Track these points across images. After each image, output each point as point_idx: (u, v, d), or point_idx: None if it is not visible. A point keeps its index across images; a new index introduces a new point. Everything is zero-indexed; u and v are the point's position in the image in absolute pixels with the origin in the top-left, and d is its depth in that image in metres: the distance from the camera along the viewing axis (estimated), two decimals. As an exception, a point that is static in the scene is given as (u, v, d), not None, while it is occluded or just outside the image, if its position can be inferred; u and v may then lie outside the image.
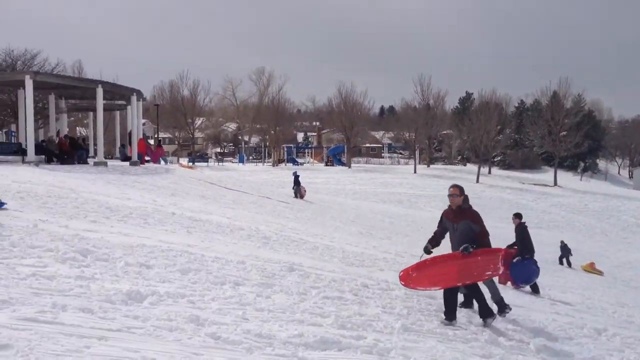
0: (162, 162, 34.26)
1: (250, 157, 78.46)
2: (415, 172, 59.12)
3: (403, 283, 7.95)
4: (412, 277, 7.84)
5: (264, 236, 12.95)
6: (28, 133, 23.91)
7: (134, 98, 29.02)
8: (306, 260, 10.54)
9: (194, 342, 4.87)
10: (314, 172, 53.96)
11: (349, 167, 63.53)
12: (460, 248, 7.48)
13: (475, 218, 7.64)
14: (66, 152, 25.03)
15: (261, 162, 72.10)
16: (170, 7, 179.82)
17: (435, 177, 55.13)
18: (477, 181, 54.30)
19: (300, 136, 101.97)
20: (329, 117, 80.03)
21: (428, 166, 69.52)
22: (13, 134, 33.30)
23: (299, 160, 71.35)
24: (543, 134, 64.89)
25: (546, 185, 56.55)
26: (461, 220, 7.63)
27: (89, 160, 26.33)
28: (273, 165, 64.22)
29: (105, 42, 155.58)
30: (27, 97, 23.45)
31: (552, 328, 8.45)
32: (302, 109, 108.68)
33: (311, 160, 76.58)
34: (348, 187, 46.52)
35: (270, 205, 22.29)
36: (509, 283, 13.28)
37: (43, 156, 24.24)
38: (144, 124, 46.17)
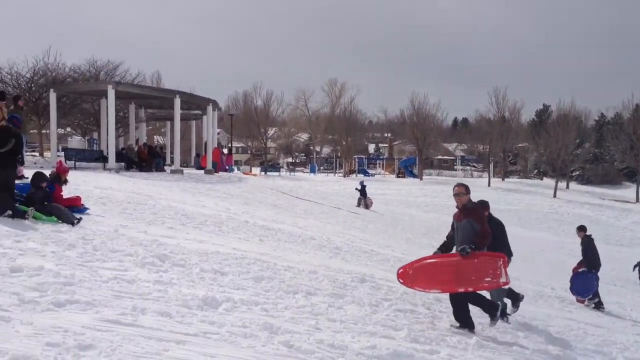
0: (229, 170, 34.89)
1: (322, 168, 78.84)
2: (489, 185, 57.89)
3: (401, 281, 7.59)
4: (410, 275, 7.50)
5: (335, 246, 12.98)
6: (109, 141, 24.87)
7: (209, 108, 29.74)
8: (378, 272, 10.50)
9: (268, 349, 4.92)
10: (385, 184, 53.72)
11: (421, 179, 62.89)
12: (459, 248, 7.14)
13: (477, 217, 7.29)
14: (145, 160, 25.86)
15: (332, 172, 72.34)
16: (246, 18, 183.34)
17: (510, 191, 53.87)
18: (555, 196, 52.69)
19: (371, 147, 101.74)
20: (401, 129, 79.54)
21: (503, 179, 67.95)
22: (95, 141, 34.68)
23: (370, 172, 71.20)
24: (624, 148, 62.39)
25: (627, 202, 54.28)
26: (464, 219, 7.33)
27: (165, 168, 27.12)
28: (344, 176, 64.30)
29: (183, 53, 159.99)
30: (109, 106, 24.40)
31: (634, 349, 8.11)
32: (373, 120, 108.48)
33: (382, 171, 76.27)
34: (420, 199, 46.07)
35: (341, 215, 22.33)
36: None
37: (123, 163, 25.12)
38: (218, 134, 47.13)
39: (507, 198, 48.32)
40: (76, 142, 35.64)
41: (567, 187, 63.53)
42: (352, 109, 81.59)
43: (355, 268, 10.43)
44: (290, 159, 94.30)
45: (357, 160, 74.16)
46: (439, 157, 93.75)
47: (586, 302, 12.71)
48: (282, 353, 4.90)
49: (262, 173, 53.82)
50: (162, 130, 52.52)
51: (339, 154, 76.02)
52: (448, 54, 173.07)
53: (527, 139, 79.30)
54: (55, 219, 9.42)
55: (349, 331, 5.97)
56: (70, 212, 9.91)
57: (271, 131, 79.16)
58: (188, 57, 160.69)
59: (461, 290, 7.10)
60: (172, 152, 31.50)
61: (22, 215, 9.06)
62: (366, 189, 31.32)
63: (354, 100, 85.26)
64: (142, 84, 39.06)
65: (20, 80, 32.03)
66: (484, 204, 9.04)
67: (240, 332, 5.23)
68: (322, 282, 8.42)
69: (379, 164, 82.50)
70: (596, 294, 12.67)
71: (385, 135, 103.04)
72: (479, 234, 7.11)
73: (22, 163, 9.72)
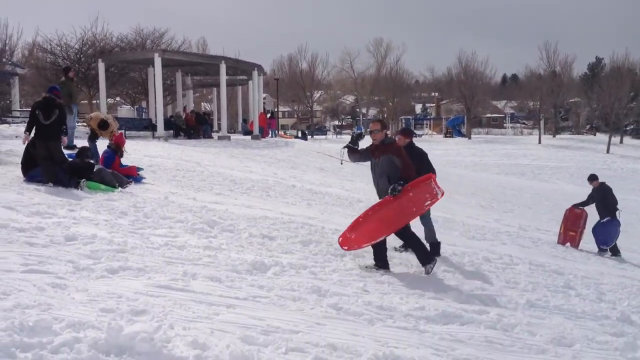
0: (271, 134, 35.03)
1: (368, 130, 78.35)
2: (539, 142, 56.69)
3: (346, 248, 7.35)
4: (351, 239, 7.34)
5: (383, 208, 12.92)
6: (157, 109, 25.21)
7: (255, 73, 29.76)
8: (426, 233, 10.43)
9: (316, 312, 4.97)
10: (432, 144, 53.09)
11: (469, 138, 61.98)
12: (389, 190, 6.96)
13: (396, 151, 7.10)
14: (192, 127, 26.16)
15: (379, 134, 71.77)
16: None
17: (561, 147, 52.64)
18: (608, 151, 51.23)
19: (418, 107, 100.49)
20: (448, 87, 78.06)
21: (554, 136, 66.38)
22: (144, 110, 35.18)
23: (418, 132, 70.47)
24: (681, 99, 60.17)
25: (685, 155, 52.46)
26: (382, 155, 7.13)
27: (213, 134, 27.37)
28: (391, 137, 63.83)
29: (227, 18, 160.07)
30: (157, 74, 24.66)
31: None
32: (420, 79, 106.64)
33: (430, 131, 75.43)
34: (468, 158, 45.42)
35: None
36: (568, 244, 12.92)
37: (171, 131, 25.49)
38: (264, 98, 47.23)
39: (559, 155, 47.27)
40: (125, 111, 36.14)
41: (621, 142, 61.68)
42: (398, 69, 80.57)
43: (403, 230, 10.37)
44: (336, 122, 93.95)
45: (404, 121, 73.42)
46: (488, 115, 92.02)
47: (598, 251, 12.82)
48: (331, 315, 4.94)
49: (285, 133, 53.72)
50: (209, 97, 52.87)
51: (385, 115, 75.38)
52: (497, 8, 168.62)
53: (579, 94, 76.99)
54: (105, 186, 9.68)
55: (397, 293, 5.98)
56: (120, 175, 10.26)
57: (317, 94, 78.84)
58: (232, 22, 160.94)
59: (408, 220, 7.07)
60: (219, 119, 31.77)
61: (75, 185, 9.35)
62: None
63: (400, 60, 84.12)
64: (188, 51, 39.26)
65: (69, 51, 32.60)
66: (406, 132, 9.03)
67: (289, 295, 5.29)
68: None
69: (426, 124, 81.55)
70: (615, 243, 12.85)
71: (432, 94, 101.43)
72: (403, 168, 7.01)
73: (65, 133, 9.93)
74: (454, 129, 67.59)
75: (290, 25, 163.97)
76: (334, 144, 45.11)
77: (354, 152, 7.64)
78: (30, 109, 10.82)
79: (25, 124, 10.27)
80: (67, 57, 32.23)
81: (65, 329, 3.70)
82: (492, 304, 6.17)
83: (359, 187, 16.45)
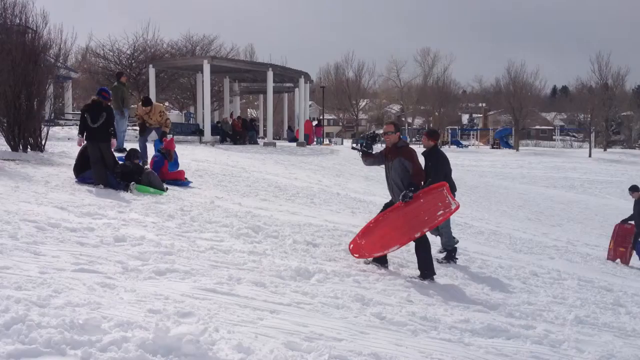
0: (317, 141, 35.12)
1: (414, 139, 77.96)
2: (590, 155, 55.48)
3: (357, 255, 7.25)
4: (362, 245, 7.22)
5: (428, 219, 12.81)
6: (205, 114, 25.53)
7: (301, 80, 29.90)
8: (471, 245, 10.32)
9: (360, 320, 4.95)
10: (478, 155, 52.52)
11: (517, 149, 61.06)
12: (400, 197, 6.84)
13: (408, 155, 6.98)
14: (239, 132, 26.41)
15: (424, 144, 71.30)
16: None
17: (612, 161, 51.35)
18: (661, 166, 49.85)
19: (465, 118, 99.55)
20: (496, 98, 77.17)
21: (605, 150, 64.92)
22: (192, 115, 35.72)
23: (464, 143, 69.75)
24: None
25: None
26: (394, 158, 7.05)
27: (259, 140, 27.60)
28: (436, 148, 63.30)
29: (275, 26, 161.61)
30: (205, 80, 24.99)
31: None
32: (467, 89, 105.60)
33: (476, 142, 74.55)
34: (515, 170, 44.67)
35: (434, 187, 22.01)
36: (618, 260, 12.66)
37: (218, 136, 25.77)
38: (310, 106, 47.42)
39: (610, 169, 46.12)
40: (173, 116, 36.74)
41: (676, 157, 59.85)
42: (445, 79, 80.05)
43: (448, 241, 10.27)
44: (381, 131, 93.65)
45: (450, 131, 72.78)
46: (537, 127, 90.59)
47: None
48: (374, 324, 4.92)
49: (354, 145, 53.56)
50: (255, 103, 53.39)
51: (431, 124, 74.87)
52: (549, 19, 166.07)
53: (632, 107, 75.21)
54: (154, 189, 9.87)
55: (442, 304, 5.92)
56: (160, 181, 10.46)
57: (362, 103, 78.88)
58: (280, 29, 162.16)
59: (419, 234, 6.86)
60: (265, 125, 32.00)
61: (124, 187, 9.55)
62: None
63: (447, 70, 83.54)
64: (236, 58, 39.73)
65: (121, 56, 33.34)
66: (431, 134, 8.69)
67: (333, 302, 5.28)
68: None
69: (473, 134, 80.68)
70: None
71: (480, 105, 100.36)
72: (413, 174, 6.92)
73: (114, 136, 10.13)
74: (501, 141, 66.72)
75: (337, 34, 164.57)
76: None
77: (367, 155, 7.49)
78: (80, 112, 11.13)
79: (77, 127, 10.56)
80: (119, 62, 32.96)
81: (114, 328, 3.76)
82: (539, 318, 6.06)
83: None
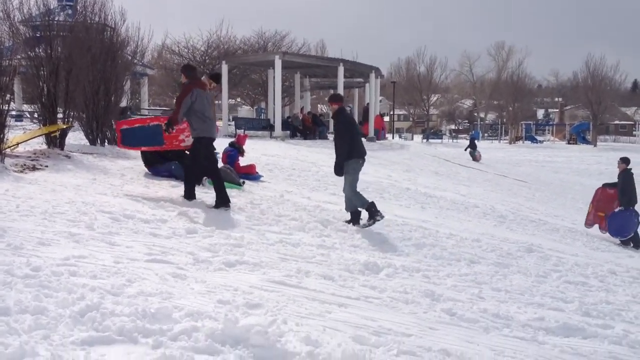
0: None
1: (486, 135, 76.42)
2: (673, 151, 53.05)
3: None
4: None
5: (500, 215, 12.54)
6: (276, 110, 25.80)
7: (372, 75, 29.76)
8: (546, 242, 10.02)
9: (429, 316, 4.87)
10: (554, 151, 50.95)
11: (594, 145, 58.94)
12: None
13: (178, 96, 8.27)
14: (308, 128, 26.53)
15: (497, 139, 69.89)
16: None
17: (697, 157, 48.92)
18: None
19: (540, 113, 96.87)
20: (574, 93, 74.63)
21: (689, 145, 61.95)
22: (263, 111, 36.15)
23: (539, 138, 67.82)
24: None
25: None
26: None
27: (328, 136, 27.63)
28: (509, 143, 61.90)
29: (346, 20, 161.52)
30: (276, 76, 25.24)
31: None
32: (543, 84, 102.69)
33: (552, 137, 72.38)
34: (592, 167, 43.10)
35: (506, 183, 21.54)
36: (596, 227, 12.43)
37: (288, 132, 25.96)
38: (380, 101, 47.15)
39: (695, 166, 43.93)
40: (245, 111, 37.38)
41: None
42: (520, 73, 77.84)
43: (521, 237, 10.01)
44: (453, 126, 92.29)
45: (524, 126, 70.95)
46: (616, 122, 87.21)
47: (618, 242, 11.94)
48: (444, 321, 4.83)
49: (424, 140, 52.90)
50: (326, 98, 53.50)
51: (504, 120, 73.21)
52: (629, 11, 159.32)
53: None
54: (228, 184, 9.99)
55: (515, 301, 5.76)
56: (236, 175, 10.54)
57: (434, 98, 77.80)
58: (351, 24, 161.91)
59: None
60: (335, 120, 31.95)
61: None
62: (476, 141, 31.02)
63: (522, 64, 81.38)
64: (307, 54, 39.91)
65: (195, 53, 34.06)
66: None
67: (402, 297, 5.22)
68: (486, 250, 8.17)
69: (548, 130, 78.37)
70: (636, 233, 11.91)
71: (556, 99, 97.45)
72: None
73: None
74: (578, 136, 64.50)
75: (409, 29, 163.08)
76: (450, 148, 44.34)
77: None
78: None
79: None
80: (192, 58, 33.69)
81: (185, 318, 3.83)
82: (617, 318, 5.81)
83: (474, 192, 16.06)
